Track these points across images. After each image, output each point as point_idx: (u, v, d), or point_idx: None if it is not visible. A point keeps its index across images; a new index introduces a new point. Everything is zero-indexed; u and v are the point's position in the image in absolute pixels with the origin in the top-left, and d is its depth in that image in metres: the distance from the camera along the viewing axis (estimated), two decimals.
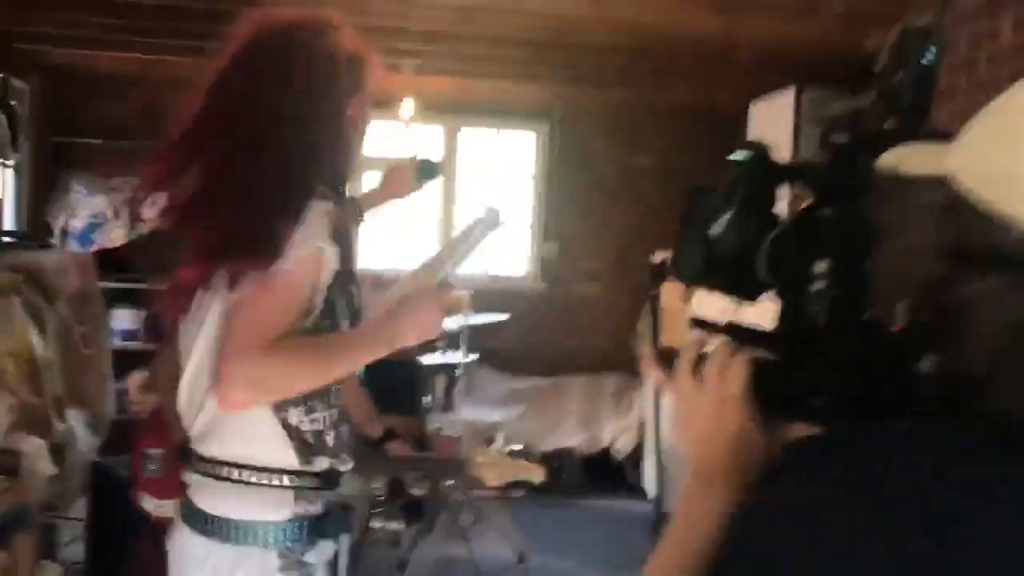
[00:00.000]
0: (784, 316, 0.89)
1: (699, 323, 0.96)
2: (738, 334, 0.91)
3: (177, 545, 1.60)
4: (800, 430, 0.80)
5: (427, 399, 4.94)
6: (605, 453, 5.87)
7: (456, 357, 4.96)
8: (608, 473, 5.85)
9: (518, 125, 6.89)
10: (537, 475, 2.12)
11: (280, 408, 1.55)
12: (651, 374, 1.00)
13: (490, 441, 4.74)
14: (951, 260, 0.66)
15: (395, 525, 4.74)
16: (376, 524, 4.38)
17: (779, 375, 0.85)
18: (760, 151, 0.95)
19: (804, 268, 0.85)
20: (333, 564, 1.71)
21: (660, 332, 1.03)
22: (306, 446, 1.57)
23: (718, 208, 0.92)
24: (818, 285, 0.83)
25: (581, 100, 6.34)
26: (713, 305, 0.95)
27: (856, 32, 4.11)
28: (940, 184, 0.68)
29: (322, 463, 1.60)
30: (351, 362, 1.61)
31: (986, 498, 0.58)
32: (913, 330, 0.69)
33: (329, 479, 1.62)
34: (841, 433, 0.71)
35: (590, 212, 6.84)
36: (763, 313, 0.93)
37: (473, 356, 5.17)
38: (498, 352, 6.47)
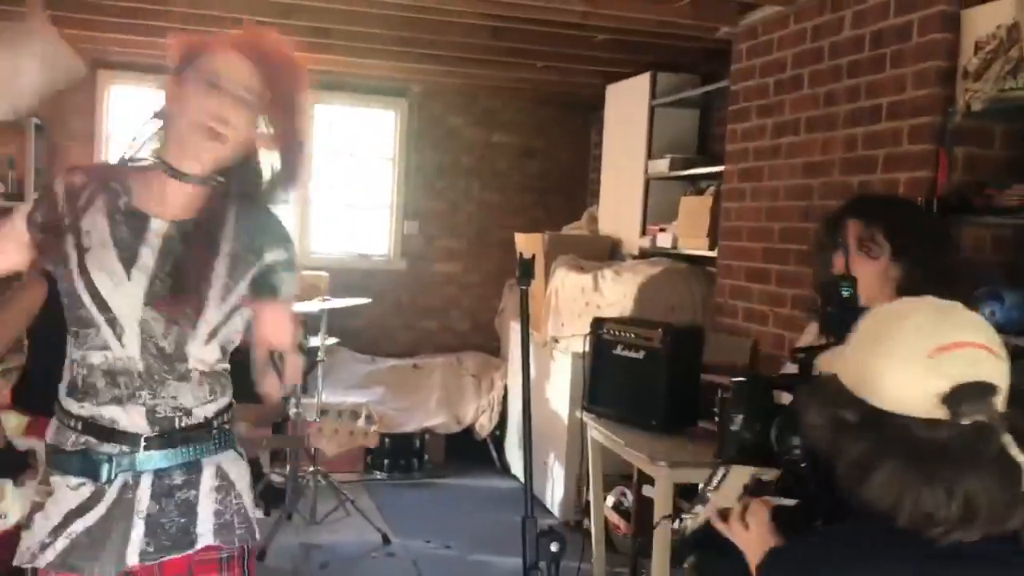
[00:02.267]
0: (784, 475, 1.51)
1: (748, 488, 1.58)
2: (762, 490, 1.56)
3: None
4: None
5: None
6: (467, 432, 5.90)
7: (315, 341, 4.85)
8: (471, 451, 5.89)
9: (376, 103, 6.78)
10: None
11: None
12: (719, 526, 1.57)
13: (324, 411, 4.69)
14: (835, 423, 1.19)
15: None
16: None
17: (789, 512, 1.45)
18: (755, 377, 1.74)
19: (787, 443, 1.50)
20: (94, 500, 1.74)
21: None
22: (69, 384, 1.73)
23: (732, 411, 1.59)
24: (795, 453, 1.49)
25: (439, 78, 6.29)
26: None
27: (709, 19, 4.24)
28: (835, 377, 1.22)
29: (71, 404, 1.72)
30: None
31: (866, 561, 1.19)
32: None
33: (86, 424, 1.70)
34: (821, 542, 1.30)
35: (448, 190, 6.83)
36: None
37: (332, 339, 5.08)
38: (357, 334, 6.38)
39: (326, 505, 4.75)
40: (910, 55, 3.17)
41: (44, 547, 1.69)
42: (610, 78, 5.73)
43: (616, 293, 4.66)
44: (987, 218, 2.92)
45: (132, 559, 1.70)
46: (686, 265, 4.72)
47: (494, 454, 5.89)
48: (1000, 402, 1.10)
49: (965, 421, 1.08)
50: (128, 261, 1.69)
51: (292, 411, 4.81)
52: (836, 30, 3.57)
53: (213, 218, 1.74)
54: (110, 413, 1.70)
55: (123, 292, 1.68)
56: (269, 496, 4.80)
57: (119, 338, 1.69)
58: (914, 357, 1.11)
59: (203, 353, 1.74)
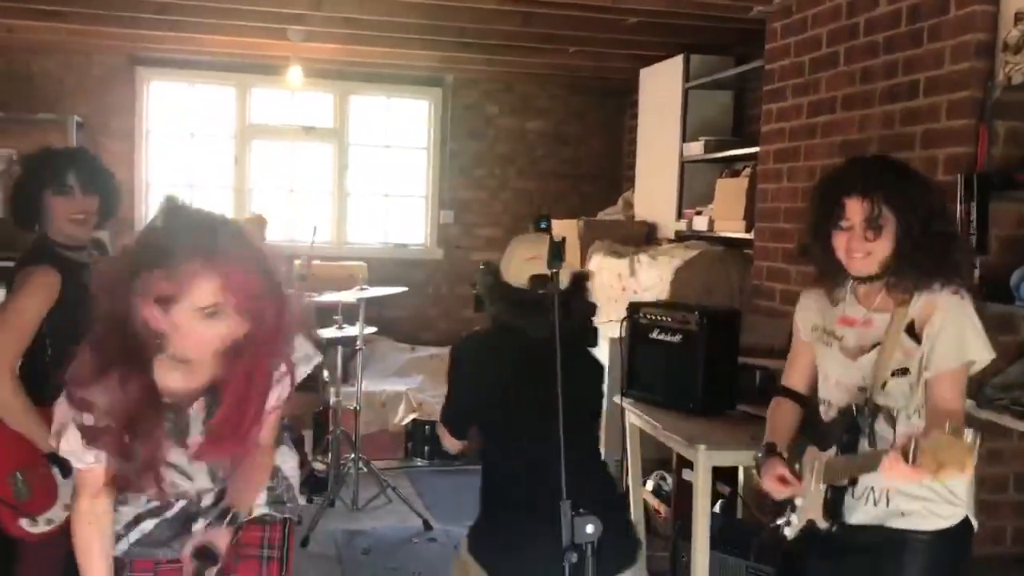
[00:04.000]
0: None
1: None
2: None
3: None
4: None
5: (325, 373, 4.87)
6: None
7: (354, 330, 4.89)
8: None
9: (410, 93, 6.80)
10: None
11: None
12: None
13: None
14: (489, 286, 2.63)
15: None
16: None
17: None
18: (486, 264, 2.71)
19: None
20: None
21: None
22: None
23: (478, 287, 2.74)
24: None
25: (473, 66, 6.29)
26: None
27: None
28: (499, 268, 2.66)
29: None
30: None
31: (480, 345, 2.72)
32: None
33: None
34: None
35: (484, 179, 6.84)
36: None
37: (371, 329, 5.11)
38: (396, 323, 6.43)
39: (368, 492, 4.80)
40: (948, 28, 3.11)
41: (118, 539, 1.91)
42: (643, 62, 5.69)
43: (652, 277, 4.64)
44: None
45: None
46: (722, 248, 4.69)
47: None
48: (561, 284, 2.15)
49: (539, 291, 2.41)
50: (182, 444, 1.86)
51: (332, 399, 4.86)
52: (871, 6, 3.50)
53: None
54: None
55: (191, 471, 1.91)
56: (312, 484, 4.86)
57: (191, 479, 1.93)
58: (518, 259, 2.55)
59: None
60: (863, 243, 1.99)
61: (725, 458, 3.21)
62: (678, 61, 5.26)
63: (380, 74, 6.56)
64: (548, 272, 2.10)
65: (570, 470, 2.06)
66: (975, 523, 2.10)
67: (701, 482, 3.08)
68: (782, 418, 2.30)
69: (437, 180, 6.83)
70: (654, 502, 4.36)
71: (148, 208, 6.28)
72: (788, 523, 2.20)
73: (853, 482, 2.08)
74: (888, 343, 2.02)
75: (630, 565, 2.49)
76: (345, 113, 6.70)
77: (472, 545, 2.59)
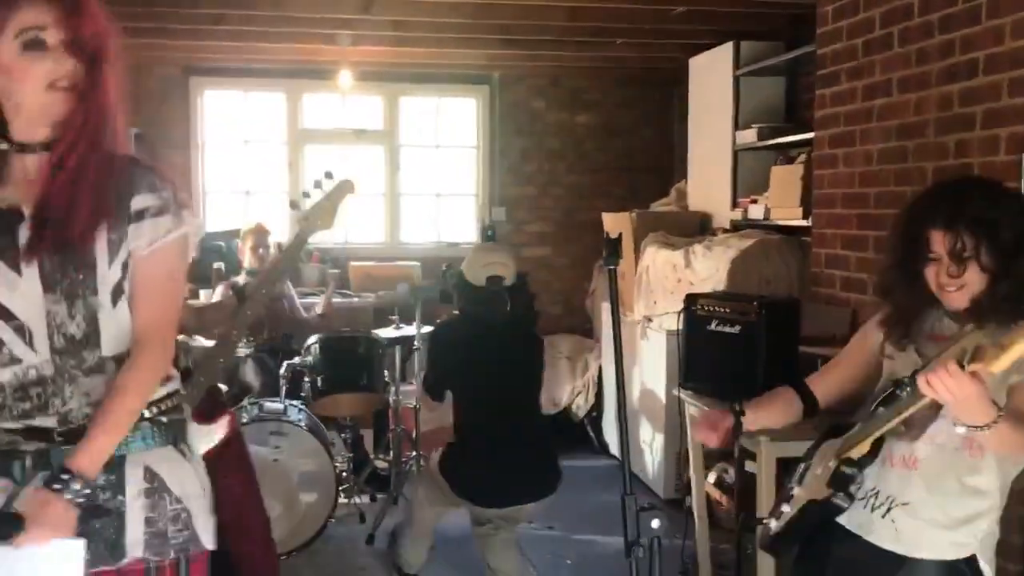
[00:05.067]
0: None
1: None
2: None
3: None
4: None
5: (386, 373, 4.92)
6: (564, 413, 5.93)
7: (411, 329, 4.93)
8: (568, 433, 5.91)
9: (458, 92, 6.84)
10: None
11: None
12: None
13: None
14: (457, 283, 3.58)
15: (360, 499, 4.75)
16: (342, 500, 4.39)
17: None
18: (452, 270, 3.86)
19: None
20: None
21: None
22: None
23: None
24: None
25: (520, 62, 6.30)
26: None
27: None
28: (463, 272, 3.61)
29: None
30: None
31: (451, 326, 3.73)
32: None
33: None
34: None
35: (534, 175, 6.84)
36: None
37: (427, 328, 5.16)
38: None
39: None
40: (1008, 3, 3.04)
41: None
42: (691, 51, 5.64)
43: (708, 268, 4.61)
44: None
45: None
46: (779, 236, 4.63)
47: (592, 435, 5.91)
48: (508, 281, 3.47)
49: (493, 288, 3.39)
50: (14, 260, 1.56)
51: (391, 398, 4.91)
52: None
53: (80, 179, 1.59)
54: (20, 424, 1.58)
55: (21, 292, 1.55)
56: (374, 482, 4.92)
57: (30, 343, 1.56)
58: (477, 265, 3.45)
59: (115, 326, 1.60)
60: (952, 278, 1.84)
61: (788, 449, 3.18)
62: (727, 48, 5.21)
63: (428, 74, 6.60)
64: (499, 274, 3.38)
65: (513, 416, 3.40)
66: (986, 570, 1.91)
67: (764, 474, 3.06)
68: (772, 398, 2.21)
69: (487, 178, 6.86)
70: (716, 494, 4.33)
71: (205, 217, 6.41)
72: (779, 515, 2.09)
73: (874, 452, 1.92)
74: (962, 339, 1.82)
75: (551, 492, 3.51)
76: (395, 115, 6.75)
77: (441, 464, 3.56)
